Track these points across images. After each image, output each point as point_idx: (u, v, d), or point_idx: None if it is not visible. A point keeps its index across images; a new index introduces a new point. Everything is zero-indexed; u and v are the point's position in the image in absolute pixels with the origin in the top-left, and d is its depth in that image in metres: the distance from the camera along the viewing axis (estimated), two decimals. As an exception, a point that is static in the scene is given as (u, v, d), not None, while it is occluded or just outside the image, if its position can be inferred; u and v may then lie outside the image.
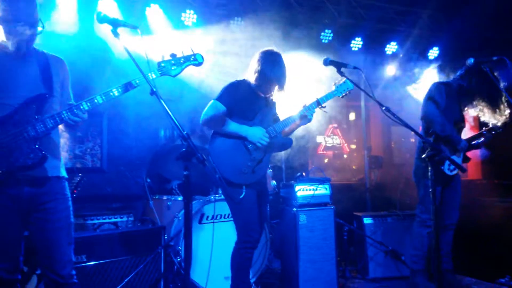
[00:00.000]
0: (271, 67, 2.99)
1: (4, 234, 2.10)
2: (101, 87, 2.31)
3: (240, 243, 2.97)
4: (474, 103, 3.55)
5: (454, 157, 3.55)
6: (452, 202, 3.59)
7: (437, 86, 3.55)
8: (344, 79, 3.09)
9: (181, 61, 2.40)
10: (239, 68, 4.28)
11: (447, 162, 3.45)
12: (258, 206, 3.03)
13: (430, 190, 3.44)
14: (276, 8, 4.96)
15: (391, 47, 6.03)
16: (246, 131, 2.91)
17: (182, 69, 2.42)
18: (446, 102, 3.47)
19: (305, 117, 3.07)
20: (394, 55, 6.14)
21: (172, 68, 2.38)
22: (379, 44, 5.98)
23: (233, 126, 2.92)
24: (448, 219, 3.55)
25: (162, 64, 2.35)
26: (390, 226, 4.37)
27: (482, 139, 3.66)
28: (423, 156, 3.07)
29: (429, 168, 2.69)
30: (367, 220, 4.40)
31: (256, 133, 2.91)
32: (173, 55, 2.39)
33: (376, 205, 5.94)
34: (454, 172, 3.53)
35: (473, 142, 3.66)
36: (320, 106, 3.12)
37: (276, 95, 3.13)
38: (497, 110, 3.45)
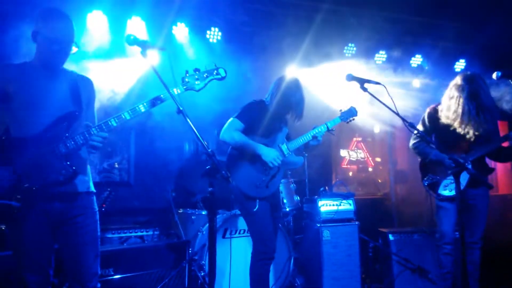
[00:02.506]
0: (292, 93, 3.20)
1: (36, 247, 2.18)
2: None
3: (257, 254, 3.07)
4: None
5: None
6: (471, 220, 3.40)
7: None
8: (350, 106, 3.48)
9: (205, 76, 2.45)
10: (262, 84, 4.34)
11: (442, 183, 3.38)
12: (272, 218, 3.17)
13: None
14: (300, 23, 5.00)
15: (416, 60, 5.97)
16: (261, 150, 3.05)
17: (206, 84, 2.46)
18: None
19: (315, 138, 3.29)
20: (419, 68, 6.06)
21: (196, 82, 2.43)
22: (404, 57, 5.92)
23: (250, 144, 3.05)
24: (469, 237, 3.36)
25: (187, 80, 2.41)
26: (417, 242, 4.25)
27: None
28: (449, 172, 3.01)
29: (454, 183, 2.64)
30: (392, 237, 4.31)
31: (270, 154, 3.06)
32: (196, 70, 2.45)
33: (402, 221, 5.81)
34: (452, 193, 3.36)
35: None
36: (328, 130, 3.36)
37: (291, 117, 3.30)
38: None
